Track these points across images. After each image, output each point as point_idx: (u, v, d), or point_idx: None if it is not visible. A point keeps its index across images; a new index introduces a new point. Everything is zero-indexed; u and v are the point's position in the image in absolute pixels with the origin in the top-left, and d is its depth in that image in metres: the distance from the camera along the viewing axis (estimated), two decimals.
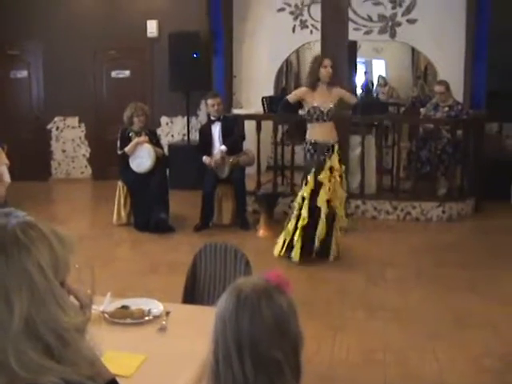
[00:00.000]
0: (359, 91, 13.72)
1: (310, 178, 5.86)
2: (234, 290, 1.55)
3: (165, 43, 9.56)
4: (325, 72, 5.84)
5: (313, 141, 5.92)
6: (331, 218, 5.92)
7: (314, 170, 5.84)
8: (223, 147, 7.13)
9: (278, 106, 6.49)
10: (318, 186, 5.81)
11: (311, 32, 9.47)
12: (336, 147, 5.87)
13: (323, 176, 5.79)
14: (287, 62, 11.50)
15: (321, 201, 5.79)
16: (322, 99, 5.86)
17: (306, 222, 5.84)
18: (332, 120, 5.91)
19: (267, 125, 8.24)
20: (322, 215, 5.82)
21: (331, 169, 5.83)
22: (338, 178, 5.87)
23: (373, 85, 15.01)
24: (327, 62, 5.87)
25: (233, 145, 7.22)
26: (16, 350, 1.28)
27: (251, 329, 1.48)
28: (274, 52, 9.61)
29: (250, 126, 7.85)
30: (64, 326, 1.34)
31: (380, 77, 14.40)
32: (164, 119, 10.28)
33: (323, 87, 5.89)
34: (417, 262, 6.05)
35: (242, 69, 9.82)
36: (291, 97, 6.14)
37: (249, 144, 7.68)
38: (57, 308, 1.35)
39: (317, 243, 5.91)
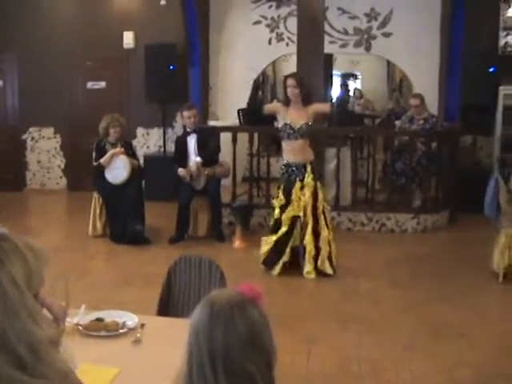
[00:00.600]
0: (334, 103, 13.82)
1: (280, 192, 6.00)
2: (207, 302, 1.57)
3: (141, 54, 9.56)
4: (289, 92, 5.92)
5: (285, 161, 6.01)
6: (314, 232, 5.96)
7: (282, 186, 5.99)
8: (198, 158, 7.14)
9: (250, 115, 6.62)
10: (288, 201, 5.93)
11: (287, 44, 9.53)
12: (309, 168, 5.90)
13: (294, 194, 5.90)
14: (263, 74, 11.54)
15: (285, 217, 5.92)
16: (294, 117, 5.91)
17: (279, 234, 5.97)
18: (305, 138, 5.92)
19: (243, 136, 8.26)
20: (283, 229, 5.93)
21: (303, 188, 5.90)
22: (309, 196, 5.89)
23: (348, 96, 15.14)
24: (290, 81, 5.94)
25: (208, 156, 7.23)
26: None
27: (225, 340, 1.50)
28: (250, 64, 9.64)
29: (225, 138, 7.87)
30: (37, 339, 1.34)
31: (356, 89, 14.52)
32: (140, 130, 10.26)
33: (297, 105, 5.94)
34: (391, 273, 6.09)
35: (218, 80, 9.84)
36: (266, 107, 6.26)
37: (225, 155, 7.70)
38: (30, 320, 1.35)
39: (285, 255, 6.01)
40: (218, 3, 9.73)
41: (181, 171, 7.16)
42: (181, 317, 3.06)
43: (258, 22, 9.65)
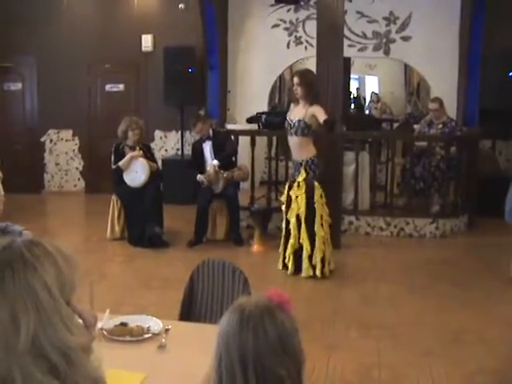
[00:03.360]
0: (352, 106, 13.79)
1: (284, 191, 6.13)
2: (236, 308, 1.57)
3: (159, 58, 9.59)
4: (294, 89, 5.94)
5: (292, 157, 6.15)
6: (312, 233, 5.97)
7: (288, 183, 6.12)
8: (215, 161, 7.15)
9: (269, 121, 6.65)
10: (289, 198, 6.04)
11: (306, 48, 9.52)
12: (302, 166, 5.92)
13: (292, 191, 5.99)
14: (281, 78, 11.53)
15: (290, 215, 6.01)
16: (295, 113, 5.98)
17: (283, 233, 6.14)
18: (300, 135, 5.90)
19: (261, 140, 8.26)
20: (291, 228, 6.01)
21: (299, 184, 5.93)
22: (302, 195, 5.89)
23: (365, 101, 15.09)
24: (294, 79, 5.97)
25: (225, 159, 7.25)
26: (22, 369, 1.28)
27: (255, 345, 1.50)
28: (269, 68, 9.65)
29: (244, 142, 7.87)
30: (70, 346, 1.34)
31: (373, 93, 14.48)
32: (158, 133, 10.29)
33: (303, 103, 5.95)
34: (410, 278, 6.06)
35: (236, 84, 9.85)
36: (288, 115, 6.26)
37: (243, 159, 7.71)
38: (63, 327, 1.35)
39: (287, 256, 6.10)
40: (236, 7, 9.75)
41: (199, 177, 7.19)
42: (203, 322, 3.06)
43: (276, 26, 9.65)
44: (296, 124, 5.89)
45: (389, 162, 8.06)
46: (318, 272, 5.97)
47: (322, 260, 5.99)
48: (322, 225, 5.96)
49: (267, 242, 6.97)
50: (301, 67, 11.83)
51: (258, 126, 8.49)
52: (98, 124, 10.28)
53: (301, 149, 5.95)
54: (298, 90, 5.89)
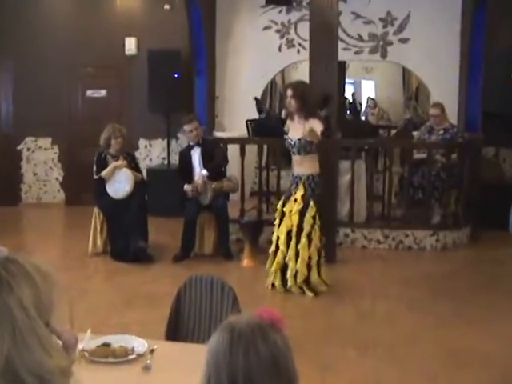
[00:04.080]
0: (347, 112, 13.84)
1: (279, 205, 6.15)
2: (227, 326, 1.57)
3: (144, 61, 9.59)
4: (287, 102, 5.97)
5: (292, 171, 6.17)
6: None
7: (283, 198, 6.15)
8: (204, 171, 7.15)
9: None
10: (282, 214, 6.05)
11: (298, 51, 9.56)
12: (302, 179, 5.95)
13: (287, 206, 5.99)
14: (272, 83, 11.56)
15: (281, 230, 6.03)
16: (293, 131, 6.02)
17: (272, 248, 6.13)
18: (303, 153, 5.94)
19: (251, 149, 8.26)
20: (280, 244, 6.02)
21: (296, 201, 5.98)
22: (297, 212, 5.90)
23: (361, 106, 15.16)
24: (287, 91, 6.00)
25: (215, 169, 7.26)
26: None
27: (246, 364, 1.50)
28: (259, 72, 9.67)
29: (233, 151, 7.88)
30: (48, 369, 1.34)
31: (369, 98, 14.55)
32: (142, 142, 10.29)
33: (298, 118, 5.98)
34: (410, 294, 6.07)
35: (224, 89, 9.87)
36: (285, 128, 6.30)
37: (232, 169, 7.72)
38: (40, 349, 1.34)
39: (273, 273, 6.11)
40: (224, 8, 9.78)
41: (187, 187, 7.19)
42: (191, 341, 3.06)
43: (267, 28, 9.69)
44: (297, 144, 5.94)
45: (386, 170, 8.08)
46: (306, 291, 5.98)
47: (307, 282, 6.00)
48: (308, 246, 5.93)
49: (258, 257, 6.97)
50: (293, 71, 11.94)
51: (248, 133, 8.50)
52: (78, 132, 10.24)
53: (304, 164, 6.00)
54: (292, 103, 5.92)
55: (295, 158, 6.03)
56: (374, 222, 7.90)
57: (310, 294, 5.95)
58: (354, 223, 7.81)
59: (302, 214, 5.90)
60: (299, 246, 5.91)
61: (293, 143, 5.95)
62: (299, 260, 5.93)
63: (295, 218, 5.92)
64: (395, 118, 13.33)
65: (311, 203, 5.91)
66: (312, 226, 5.92)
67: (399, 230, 7.71)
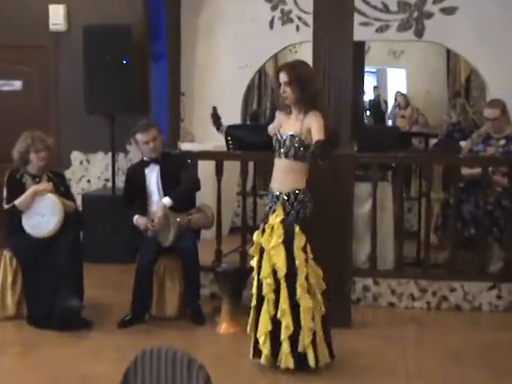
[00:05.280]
0: (367, 114, 13.90)
1: (255, 236, 6.11)
2: None
3: (77, 42, 9.58)
4: (281, 90, 5.92)
5: (270, 186, 6.09)
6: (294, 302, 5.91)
7: (259, 229, 6.09)
8: (166, 200, 7.13)
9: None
10: (262, 250, 5.98)
11: (297, 28, 9.61)
12: (281, 197, 5.89)
13: (263, 238, 5.95)
14: (261, 73, 11.59)
15: (263, 272, 5.90)
16: (288, 126, 5.93)
17: (253, 303, 6.05)
18: (291, 158, 5.86)
19: (232, 167, 8.25)
20: (264, 293, 5.91)
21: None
22: (279, 244, 5.87)
23: (386, 105, 15.26)
24: (281, 76, 5.90)
25: (181, 196, 7.24)
26: None
27: None
28: (243, 58, 9.70)
29: (206, 170, 7.88)
30: None
31: (398, 94, 14.64)
32: (77, 156, 10.31)
33: (296, 112, 5.93)
34: (458, 375, 6.03)
35: (193, 83, 9.89)
36: (271, 128, 6.18)
37: (205, 195, 7.71)
38: None
39: (259, 338, 5.98)
40: None
41: (138, 220, 7.18)
42: None
43: None
44: (287, 141, 5.84)
45: (423, 197, 8.09)
46: (310, 361, 5.89)
47: (314, 344, 5.92)
48: (308, 291, 5.89)
49: (241, 319, 6.92)
50: (290, 57, 11.95)
51: (227, 145, 8.50)
52: None
53: (287, 176, 5.90)
54: (288, 92, 5.85)
55: (279, 165, 5.91)
56: (405, 269, 7.91)
57: (312, 363, 5.87)
58: (377, 272, 7.81)
59: (286, 246, 5.86)
60: (297, 293, 5.84)
61: (282, 140, 5.89)
62: (301, 311, 5.82)
63: (279, 254, 5.85)
64: (436, 121, 13.40)
65: (296, 229, 5.86)
66: (306, 261, 5.88)
67: (442, 282, 7.71)
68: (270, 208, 5.98)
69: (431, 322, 7.35)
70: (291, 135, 5.83)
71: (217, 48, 9.81)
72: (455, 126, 11.37)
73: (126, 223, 7.32)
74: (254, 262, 6.09)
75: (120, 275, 7.71)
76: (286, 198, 5.87)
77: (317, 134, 5.62)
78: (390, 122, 14.20)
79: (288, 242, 5.82)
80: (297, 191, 5.87)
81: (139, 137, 7.30)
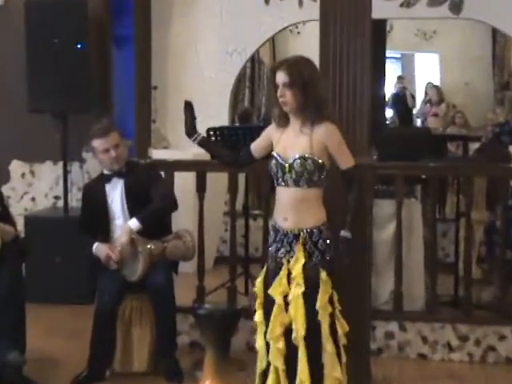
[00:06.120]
0: (389, 113, 13.97)
1: (257, 283, 6.02)
2: None
3: (17, 20, 9.65)
4: (279, 94, 5.76)
5: (273, 222, 5.95)
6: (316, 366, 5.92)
7: (265, 268, 5.97)
8: (133, 223, 7.13)
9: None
10: (269, 303, 5.84)
11: (300, 3, 9.64)
12: (302, 237, 5.83)
13: (274, 289, 5.78)
14: (254, 60, 11.62)
15: (271, 333, 5.81)
16: (288, 143, 5.79)
17: (260, 367, 5.99)
18: (304, 184, 5.81)
19: (218, 180, 8.29)
20: (271, 358, 5.84)
21: (289, 276, 5.85)
22: (299, 296, 5.84)
23: (414, 100, 15.32)
24: (280, 76, 5.78)
25: (152, 218, 7.21)
26: None
27: None
28: (231, 43, 9.74)
29: (185, 184, 7.92)
30: None
31: (429, 86, 14.70)
32: (17, 167, 10.34)
33: (299, 123, 5.86)
34: None
35: (168, 74, 9.93)
36: (256, 145, 6.12)
37: (184, 218, 7.75)
38: None
39: None
40: None
41: (98, 248, 7.18)
42: None
43: None
44: (296, 166, 5.76)
45: (461, 218, 8.12)
46: None
47: None
48: (338, 356, 5.90)
49: (229, 375, 6.95)
50: (291, 41, 12.00)
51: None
52: None
53: (301, 208, 5.81)
54: (288, 97, 5.80)
55: (287, 195, 5.75)
56: (439, 311, 7.94)
57: None
58: (404, 314, 7.85)
59: (308, 299, 5.85)
60: (327, 349, 5.84)
61: (286, 165, 5.82)
62: (325, 355, 5.85)
63: (298, 309, 5.83)
64: (478, 121, 13.45)
65: (323, 275, 5.84)
66: (329, 316, 5.88)
67: (488, 327, 7.73)
68: (278, 250, 5.84)
69: (474, 379, 7.33)
70: (301, 157, 5.66)
71: (197, 29, 9.85)
72: (503, 127, 11.37)
73: (82, 253, 7.32)
74: (257, 318, 5.99)
75: (74, 320, 7.71)
76: (307, 236, 5.75)
77: (343, 159, 5.66)
78: (418, 122, 14.25)
79: (311, 293, 5.70)
80: (321, 226, 5.77)
81: (97, 143, 7.21)
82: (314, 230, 5.71)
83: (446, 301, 8.09)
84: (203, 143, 6.26)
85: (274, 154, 5.78)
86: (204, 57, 9.82)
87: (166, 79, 9.96)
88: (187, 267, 7.87)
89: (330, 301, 5.75)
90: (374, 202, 7.46)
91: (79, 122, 9.26)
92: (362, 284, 6.99)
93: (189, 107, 6.29)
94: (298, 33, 11.41)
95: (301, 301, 5.66)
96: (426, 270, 8.03)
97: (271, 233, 5.93)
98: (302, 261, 5.68)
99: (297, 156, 5.63)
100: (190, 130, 6.19)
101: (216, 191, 8.31)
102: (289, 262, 5.73)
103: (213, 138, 8.64)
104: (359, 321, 6.75)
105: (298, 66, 5.74)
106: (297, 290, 5.66)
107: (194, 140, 6.13)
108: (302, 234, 5.70)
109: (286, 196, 5.76)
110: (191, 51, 9.87)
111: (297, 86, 5.61)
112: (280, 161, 5.72)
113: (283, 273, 5.74)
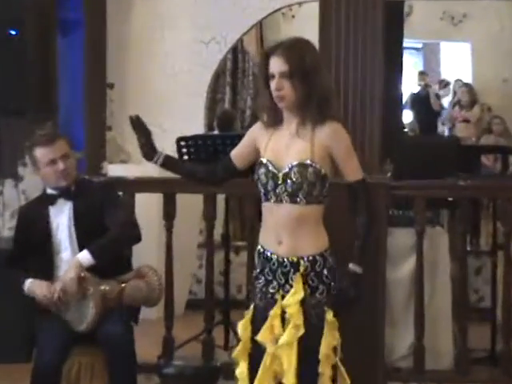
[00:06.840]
0: (408, 118, 14.01)
1: (240, 331, 5.91)
2: None
3: None
4: (273, 87, 5.66)
5: (259, 247, 5.87)
6: None
7: (252, 306, 5.86)
8: (84, 256, 7.08)
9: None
10: (257, 351, 5.76)
11: None
12: (303, 266, 5.77)
13: (264, 334, 5.68)
14: (236, 51, 11.67)
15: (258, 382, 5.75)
16: (281, 148, 5.74)
17: None
18: (302, 200, 5.75)
19: (190, 203, 8.28)
20: None
21: (284, 316, 5.80)
22: (294, 336, 5.80)
23: (439, 102, 15.36)
24: (275, 64, 5.72)
25: (108, 251, 7.17)
26: None
27: None
28: (206, 29, 9.77)
29: (148, 208, 7.90)
30: None
31: (458, 84, 14.75)
32: None
33: (297, 123, 5.80)
34: None
35: (128, 69, 9.94)
36: (237, 152, 6.04)
37: (147, 251, 7.72)
38: None
39: None
40: None
41: (34, 287, 7.12)
42: None
43: None
44: (293, 175, 5.70)
45: (499, 250, 8.11)
46: None
47: None
48: None
49: None
50: (283, 26, 12.04)
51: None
52: None
53: (299, 231, 5.77)
54: (286, 90, 5.76)
55: (280, 214, 5.67)
56: (472, 370, 7.92)
57: None
58: (427, 373, 7.83)
59: (306, 346, 5.82)
60: None
61: (281, 175, 5.77)
62: None
63: (291, 355, 5.81)
64: None
65: (329, 317, 5.80)
66: (334, 370, 5.84)
67: None
68: (269, 283, 5.76)
69: None
70: (300, 165, 5.59)
71: (165, 13, 9.87)
72: None
73: (16, 295, 7.29)
74: (240, 372, 5.86)
75: (8, 379, 7.68)
76: (308, 265, 5.66)
77: (352, 169, 5.62)
78: (445, 130, 14.31)
79: (311, 337, 5.61)
80: (324, 253, 5.69)
81: (41, 153, 7.14)
82: (318, 258, 5.63)
83: (481, 357, 8.05)
84: (167, 162, 6.02)
85: (264, 160, 5.67)
86: (173, 47, 9.83)
87: (124, 75, 9.97)
88: (151, 313, 7.86)
89: (334, 348, 5.64)
90: (388, 231, 7.46)
91: (12, 129, 9.26)
92: (374, 334, 6.98)
93: (137, 124, 6.00)
94: (293, 16, 11.43)
95: (295, 347, 5.57)
96: (455, 317, 8.01)
97: (257, 262, 5.83)
98: (301, 294, 5.58)
99: (294, 163, 5.55)
100: (148, 151, 5.95)
101: (188, 217, 8.31)
102: (283, 298, 5.63)
103: (184, 150, 8.65)
104: (370, 382, 6.73)
105: (297, 51, 5.61)
106: (292, 334, 5.56)
107: (156, 162, 5.91)
108: (302, 262, 5.62)
109: (278, 214, 5.66)
110: (157, 40, 9.89)
111: (297, 76, 5.52)
112: (272, 169, 5.64)
113: (275, 312, 5.64)
